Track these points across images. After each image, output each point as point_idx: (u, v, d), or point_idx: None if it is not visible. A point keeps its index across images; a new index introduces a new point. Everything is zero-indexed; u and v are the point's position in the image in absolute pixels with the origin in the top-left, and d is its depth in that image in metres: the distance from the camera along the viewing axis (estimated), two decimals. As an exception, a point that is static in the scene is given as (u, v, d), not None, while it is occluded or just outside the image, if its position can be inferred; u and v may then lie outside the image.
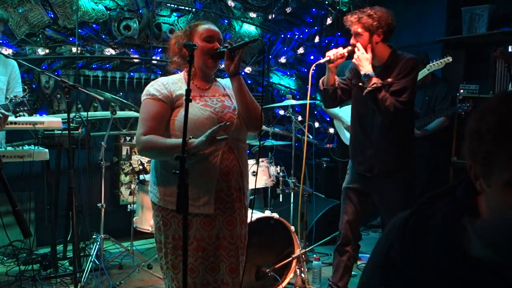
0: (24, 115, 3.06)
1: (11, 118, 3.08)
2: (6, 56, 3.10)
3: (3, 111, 2.44)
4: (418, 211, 1.00)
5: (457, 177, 4.46)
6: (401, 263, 0.97)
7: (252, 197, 3.29)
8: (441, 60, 3.95)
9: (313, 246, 3.67)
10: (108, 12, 4.43)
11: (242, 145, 2.21)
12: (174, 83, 2.16)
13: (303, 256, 3.40)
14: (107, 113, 3.56)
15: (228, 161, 2.11)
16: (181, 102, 2.08)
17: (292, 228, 3.37)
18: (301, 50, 5.61)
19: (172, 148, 1.94)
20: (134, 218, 3.60)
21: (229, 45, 2.10)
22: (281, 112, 5.41)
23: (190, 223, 2.06)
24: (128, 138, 4.48)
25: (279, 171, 3.77)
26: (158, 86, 2.13)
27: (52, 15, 4.19)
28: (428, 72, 4.07)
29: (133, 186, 4.45)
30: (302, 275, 3.39)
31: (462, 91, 4.39)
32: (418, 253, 0.95)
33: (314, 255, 3.61)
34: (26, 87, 3.15)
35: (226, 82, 2.32)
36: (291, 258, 3.33)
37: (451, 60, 3.92)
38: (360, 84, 2.78)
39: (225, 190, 2.10)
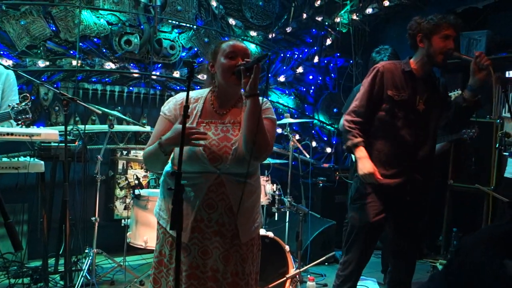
0: (25, 123, 3.04)
1: (8, 129, 3.07)
2: (6, 67, 3.09)
3: None
4: None
5: (454, 201, 4.48)
6: None
7: None
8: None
9: (307, 267, 3.64)
10: (110, 26, 4.47)
11: (239, 179, 2.00)
12: (195, 101, 2.06)
13: (297, 276, 3.37)
14: (104, 127, 3.56)
15: (215, 194, 1.98)
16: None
17: (287, 247, 3.34)
18: (300, 70, 5.64)
19: (155, 149, 1.96)
20: (128, 233, 3.57)
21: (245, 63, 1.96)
22: (279, 131, 5.42)
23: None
24: (124, 152, 4.47)
25: (275, 190, 3.76)
26: (173, 105, 2.05)
27: (54, 28, 4.22)
28: None
29: (128, 200, 4.42)
30: (296, 295, 3.35)
31: (458, 114, 4.39)
32: None
33: (309, 276, 3.57)
34: (28, 94, 3.11)
35: None
36: (285, 278, 3.29)
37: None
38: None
39: (205, 221, 2.00)
